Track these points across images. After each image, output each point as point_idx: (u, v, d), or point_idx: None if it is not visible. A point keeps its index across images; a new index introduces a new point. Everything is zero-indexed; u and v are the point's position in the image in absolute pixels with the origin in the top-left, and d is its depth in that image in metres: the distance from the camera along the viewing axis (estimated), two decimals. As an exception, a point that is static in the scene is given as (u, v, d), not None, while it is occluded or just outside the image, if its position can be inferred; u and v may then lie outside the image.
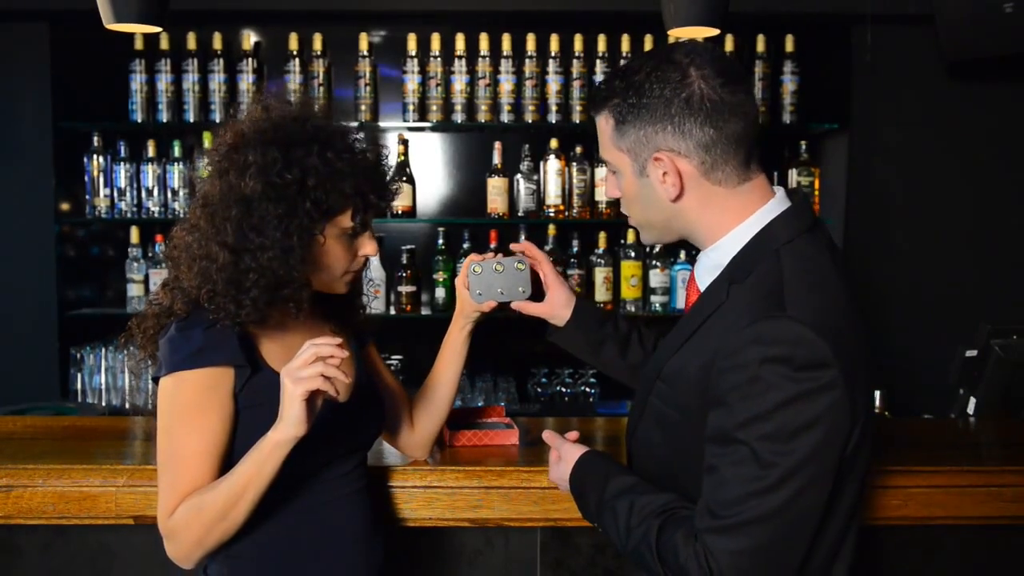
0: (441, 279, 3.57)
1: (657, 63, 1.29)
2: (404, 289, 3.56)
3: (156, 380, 1.46)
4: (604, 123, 1.34)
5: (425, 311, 3.63)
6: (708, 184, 1.30)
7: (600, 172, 3.55)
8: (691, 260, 3.55)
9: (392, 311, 3.59)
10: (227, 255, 1.40)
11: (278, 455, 1.34)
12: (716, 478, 1.20)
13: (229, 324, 1.43)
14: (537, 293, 1.70)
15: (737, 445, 1.18)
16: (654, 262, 3.59)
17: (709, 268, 1.34)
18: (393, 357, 3.53)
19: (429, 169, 3.71)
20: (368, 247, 1.52)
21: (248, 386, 1.45)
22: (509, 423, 2.00)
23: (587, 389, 3.58)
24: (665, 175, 1.30)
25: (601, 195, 3.57)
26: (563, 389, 3.58)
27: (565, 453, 1.49)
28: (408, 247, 3.58)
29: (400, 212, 3.53)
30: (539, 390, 3.59)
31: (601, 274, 3.58)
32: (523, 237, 3.55)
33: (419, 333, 3.41)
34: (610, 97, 1.32)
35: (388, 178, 1.54)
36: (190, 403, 1.41)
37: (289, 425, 1.32)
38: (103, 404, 3.41)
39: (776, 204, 1.32)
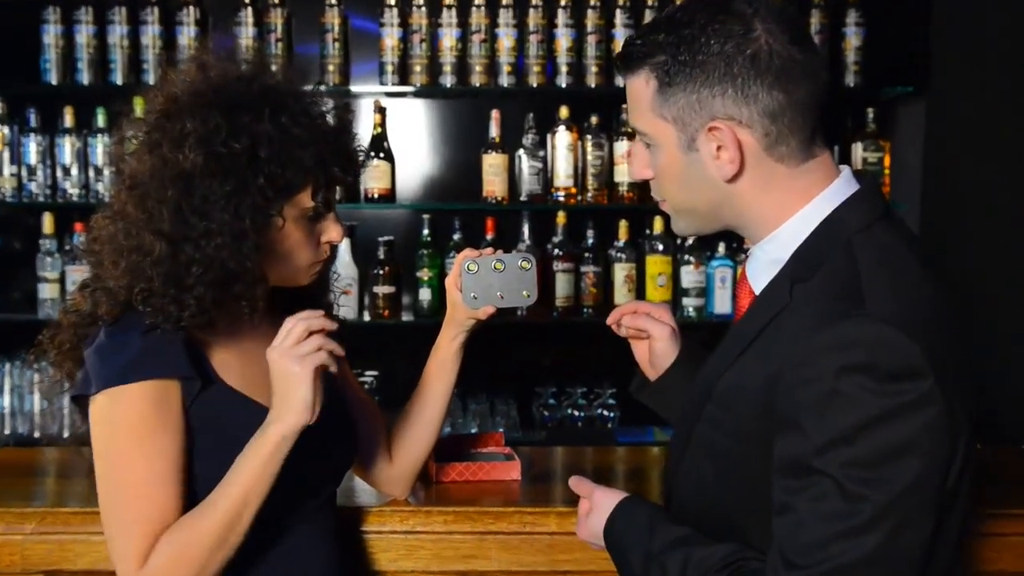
0: (426, 278, 3.57)
1: (713, 13, 1.28)
2: (381, 290, 3.55)
3: (77, 400, 1.46)
4: (643, 86, 1.32)
5: (407, 316, 3.63)
6: (770, 161, 1.30)
7: (620, 147, 3.55)
8: (731, 254, 3.55)
9: (366, 316, 3.59)
10: (164, 246, 1.40)
11: (283, 451, 1.39)
12: (791, 518, 1.19)
13: (171, 328, 1.43)
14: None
15: (816, 476, 1.17)
16: (687, 257, 3.58)
17: (765, 265, 1.34)
18: (367, 373, 3.53)
19: (411, 143, 3.71)
20: (332, 232, 1.54)
21: (199, 402, 1.45)
22: (509, 454, 2.01)
23: (604, 412, 3.58)
24: (720, 149, 1.29)
25: (622, 175, 3.56)
26: (575, 412, 3.58)
27: (597, 502, 1.48)
28: (386, 239, 3.57)
29: (376, 196, 3.52)
30: (546, 414, 3.59)
31: (622, 271, 3.57)
32: (526, 225, 3.56)
33: (399, 343, 3.40)
34: (652, 53, 1.30)
35: (354, 146, 1.56)
36: (135, 423, 1.41)
37: (297, 412, 1.38)
38: (7, 432, 3.41)
39: (843, 185, 1.32)
